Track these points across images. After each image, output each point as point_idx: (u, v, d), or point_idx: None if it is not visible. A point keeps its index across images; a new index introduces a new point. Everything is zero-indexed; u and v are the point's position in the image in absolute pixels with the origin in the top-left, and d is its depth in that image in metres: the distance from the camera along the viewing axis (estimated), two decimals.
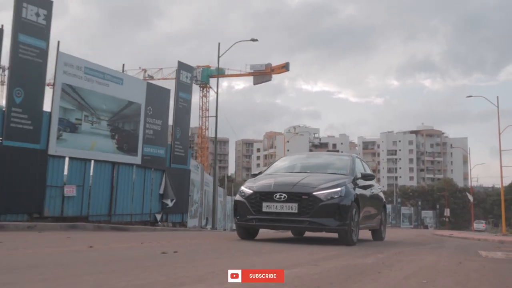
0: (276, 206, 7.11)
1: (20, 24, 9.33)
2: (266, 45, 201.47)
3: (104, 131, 11.38)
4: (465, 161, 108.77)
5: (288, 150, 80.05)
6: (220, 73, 54.55)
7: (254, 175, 8.43)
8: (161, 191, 13.37)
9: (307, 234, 10.36)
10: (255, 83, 53.79)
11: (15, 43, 9.26)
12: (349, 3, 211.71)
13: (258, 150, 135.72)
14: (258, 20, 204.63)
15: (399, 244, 9.04)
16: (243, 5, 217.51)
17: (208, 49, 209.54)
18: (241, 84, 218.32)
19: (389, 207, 65.82)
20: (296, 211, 7.00)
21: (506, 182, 62.83)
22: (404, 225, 64.09)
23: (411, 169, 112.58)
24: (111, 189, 11.70)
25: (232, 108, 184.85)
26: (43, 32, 9.77)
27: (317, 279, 3.12)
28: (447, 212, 62.33)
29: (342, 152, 74.56)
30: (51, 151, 10.03)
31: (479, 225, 53.97)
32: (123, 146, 11.91)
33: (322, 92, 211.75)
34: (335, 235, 7.68)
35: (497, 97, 31.06)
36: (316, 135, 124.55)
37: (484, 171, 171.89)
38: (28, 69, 9.44)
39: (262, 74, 52.54)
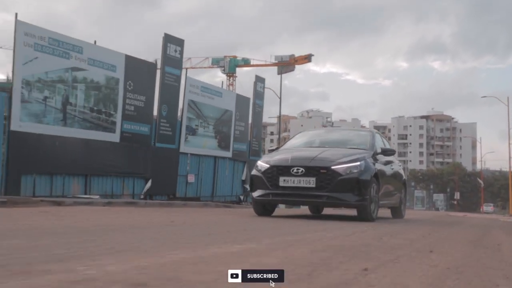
0: (294, 181, 6.97)
1: (165, 58, 12.93)
2: (274, 25, 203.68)
3: (210, 133, 15.06)
4: (474, 145, 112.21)
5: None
6: (245, 63, 58.10)
7: (271, 150, 8.39)
8: (243, 178, 17.08)
9: (325, 211, 10.21)
10: (278, 73, 56.92)
11: (163, 73, 12.87)
12: None
13: (272, 133, 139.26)
14: (266, 1, 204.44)
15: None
16: None
17: (215, 29, 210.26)
18: (262, 72, 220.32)
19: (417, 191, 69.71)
20: (314, 186, 6.89)
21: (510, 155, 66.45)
22: (417, 207, 67.90)
23: (421, 153, 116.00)
24: (213, 176, 15.43)
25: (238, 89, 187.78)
26: (178, 63, 13.39)
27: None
28: (457, 195, 65.96)
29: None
30: (181, 150, 13.71)
31: (487, 207, 57.49)
32: (221, 144, 15.59)
33: (330, 74, 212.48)
34: (354, 212, 7.73)
35: (507, 97, 34.19)
36: (329, 119, 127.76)
37: (492, 154, 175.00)
38: (169, 91, 13.06)
39: (286, 65, 55.89)
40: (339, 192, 6.89)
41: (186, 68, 59.35)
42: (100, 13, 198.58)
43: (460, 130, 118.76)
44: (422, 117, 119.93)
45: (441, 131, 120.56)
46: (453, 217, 16.08)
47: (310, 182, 6.90)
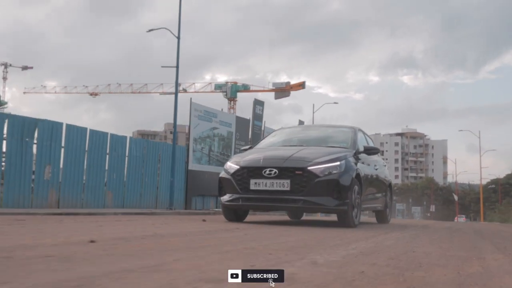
0: (266, 183, 6.29)
1: (254, 115, 18.96)
2: (250, 38, 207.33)
3: None
4: (445, 161, 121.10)
5: None
6: (245, 88, 64.35)
7: (244, 150, 7.68)
8: None
9: (305, 216, 9.32)
10: (276, 98, 63.52)
11: (253, 125, 18.87)
12: None
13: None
14: (242, 13, 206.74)
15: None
16: None
17: (190, 40, 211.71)
18: (261, 97, 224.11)
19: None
20: (288, 189, 6.20)
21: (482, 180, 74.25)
22: (397, 219, 74.70)
23: (396, 168, 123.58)
24: None
25: (206, 99, 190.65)
26: (261, 117, 19.44)
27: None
28: (432, 208, 73.05)
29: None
30: None
31: (460, 218, 64.40)
32: None
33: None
34: (332, 218, 7.11)
35: (479, 131, 40.98)
36: None
37: (460, 167, 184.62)
38: (256, 137, 19.07)
39: (282, 91, 62.34)
40: (317, 195, 6.18)
41: (191, 92, 65.23)
42: (72, 23, 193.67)
43: (432, 147, 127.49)
44: (397, 134, 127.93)
45: (415, 148, 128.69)
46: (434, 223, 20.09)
47: (284, 184, 6.20)
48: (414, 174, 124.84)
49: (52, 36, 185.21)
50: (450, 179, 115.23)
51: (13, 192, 9.63)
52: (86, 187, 11.35)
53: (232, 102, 64.81)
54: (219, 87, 64.18)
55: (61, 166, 10.72)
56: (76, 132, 11.10)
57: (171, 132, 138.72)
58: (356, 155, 7.08)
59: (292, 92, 61.48)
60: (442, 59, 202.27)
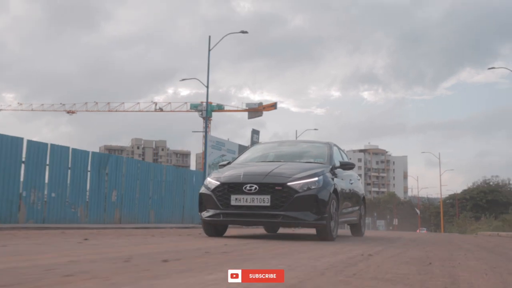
0: (246, 199, 6.36)
1: (252, 143, 22.13)
2: (214, 52, 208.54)
3: None
4: (405, 176, 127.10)
5: None
6: (219, 108, 67.41)
7: (222, 166, 7.77)
8: None
9: (281, 230, 9.73)
10: (249, 117, 66.75)
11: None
12: (298, 14, 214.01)
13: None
14: (207, 27, 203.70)
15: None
16: (192, 11, 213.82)
17: (155, 54, 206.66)
18: (234, 116, 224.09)
19: None
20: (268, 204, 6.28)
21: (441, 191, 79.65)
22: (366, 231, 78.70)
23: None
24: None
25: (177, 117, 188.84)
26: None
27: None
28: (395, 221, 77.48)
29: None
30: None
31: (422, 230, 68.73)
32: None
33: (264, 102, 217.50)
34: (312, 230, 7.51)
35: (439, 153, 45.14)
36: None
37: (419, 182, 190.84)
38: None
39: (255, 111, 65.65)
40: (296, 210, 6.32)
41: (168, 111, 67.82)
42: (34, 34, 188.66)
43: (393, 163, 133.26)
44: (360, 150, 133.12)
45: (377, 163, 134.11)
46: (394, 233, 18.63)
47: (264, 200, 6.31)
48: (376, 189, 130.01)
49: (12, 46, 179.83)
50: (409, 192, 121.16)
51: (94, 211, 12.52)
52: (138, 207, 14.27)
53: (208, 120, 67.67)
54: (195, 106, 66.96)
55: (122, 191, 13.64)
56: (132, 164, 14.11)
57: (138, 147, 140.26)
58: (332, 170, 7.26)
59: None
60: (401, 75, 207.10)
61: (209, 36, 21.78)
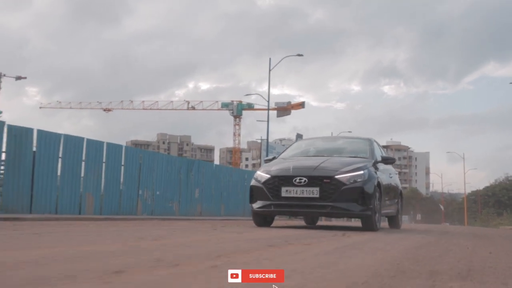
0: (296, 191, 6.76)
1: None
2: (234, 46, 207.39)
3: None
4: (427, 172, 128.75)
5: None
6: (249, 107, 70.29)
7: (268, 160, 8.22)
8: None
9: (319, 222, 10.17)
10: (278, 116, 69.53)
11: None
12: (318, 8, 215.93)
13: (247, 159, 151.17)
14: (227, 21, 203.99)
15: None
16: (212, 5, 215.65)
17: (175, 48, 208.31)
18: (264, 115, 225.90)
19: None
20: (317, 196, 6.68)
21: (462, 189, 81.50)
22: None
23: None
24: None
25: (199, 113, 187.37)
26: None
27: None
28: (418, 216, 79.67)
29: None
30: None
31: (446, 225, 70.88)
32: None
33: (284, 95, 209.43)
34: (348, 223, 7.40)
35: (463, 153, 47.10)
36: None
37: (441, 177, 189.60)
38: None
39: (283, 109, 68.36)
40: (343, 201, 6.68)
41: (200, 109, 70.79)
42: (56, 29, 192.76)
43: (416, 159, 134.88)
44: (383, 146, 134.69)
45: (399, 159, 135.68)
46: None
47: (313, 192, 6.68)
48: None
49: (36, 42, 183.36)
50: (431, 188, 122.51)
51: (184, 205, 15.46)
52: (213, 202, 17.21)
53: (237, 119, 70.73)
54: (225, 105, 69.98)
55: (202, 189, 16.60)
56: (209, 167, 17.18)
57: (163, 142, 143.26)
58: (375, 164, 7.55)
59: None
60: (423, 69, 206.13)
61: (269, 58, 25.06)
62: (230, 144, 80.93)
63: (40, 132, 10.52)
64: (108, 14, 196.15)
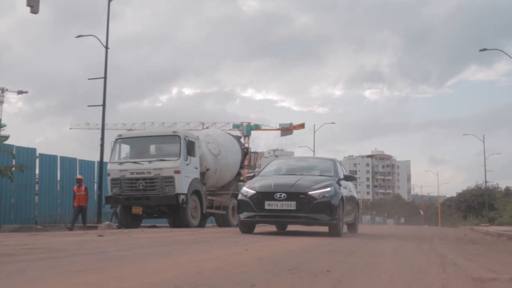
0: (277, 204, 8.25)
1: None
2: (220, 51, 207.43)
3: None
4: (408, 179, 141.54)
5: None
6: (256, 127, 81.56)
7: (250, 177, 9.85)
8: None
9: (289, 227, 11.63)
10: (281, 135, 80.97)
11: None
12: (303, 13, 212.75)
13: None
14: (213, 26, 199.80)
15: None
16: (198, 10, 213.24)
17: (159, 54, 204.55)
18: (269, 134, 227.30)
19: (367, 217, 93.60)
20: (294, 208, 8.20)
21: (443, 192, 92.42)
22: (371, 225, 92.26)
23: (368, 186, 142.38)
24: None
25: (180, 114, 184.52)
26: None
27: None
28: (402, 220, 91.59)
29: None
30: None
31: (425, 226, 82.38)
32: None
33: (266, 100, 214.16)
34: (312, 229, 9.94)
35: (437, 171, 58.22)
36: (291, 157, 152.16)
37: (421, 179, 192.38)
38: None
39: (286, 130, 79.79)
40: (315, 213, 8.20)
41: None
42: (38, 35, 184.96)
43: (398, 167, 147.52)
44: (368, 156, 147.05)
45: (383, 167, 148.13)
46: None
47: (291, 205, 8.19)
48: (383, 191, 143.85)
49: (17, 48, 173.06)
50: (413, 190, 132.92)
51: None
52: None
53: (246, 138, 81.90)
54: (236, 126, 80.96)
55: None
56: None
57: None
58: (338, 181, 9.14)
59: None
60: (406, 74, 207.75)
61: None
62: None
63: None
64: (92, 19, 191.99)
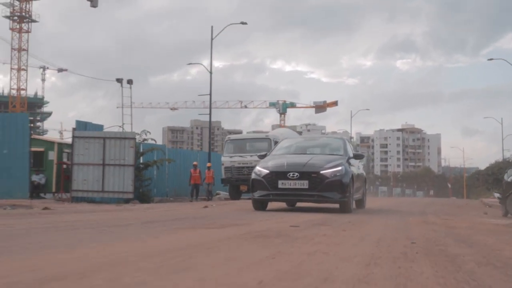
0: (290, 183, 8.56)
1: None
2: (249, 23, 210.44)
3: None
4: (439, 152, 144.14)
5: None
6: (292, 105, 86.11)
7: (262, 156, 10.15)
8: None
9: (298, 204, 11.62)
10: (316, 112, 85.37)
11: None
12: None
13: None
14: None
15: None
16: None
17: (188, 27, 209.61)
18: (304, 111, 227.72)
19: (398, 189, 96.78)
20: (306, 187, 8.51)
21: (475, 163, 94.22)
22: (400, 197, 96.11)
23: (398, 159, 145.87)
24: None
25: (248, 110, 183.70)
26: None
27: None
28: (431, 192, 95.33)
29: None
30: None
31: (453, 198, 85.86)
32: None
33: (295, 72, 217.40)
34: (320, 206, 10.22)
35: (501, 118, 61.37)
36: (323, 132, 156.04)
37: (453, 151, 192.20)
38: None
39: (320, 107, 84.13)
40: (327, 191, 8.54)
41: (252, 107, 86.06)
42: (68, 10, 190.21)
43: (428, 140, 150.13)
44: (398, 130, 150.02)
45: (413, 141, 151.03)
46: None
47: (303, 184, 8.50)
48: (413, 164, 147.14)
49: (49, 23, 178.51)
50: (443, 163, 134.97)
51: None
52: None
53: (282, 115, 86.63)
54: (273, 104, 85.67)
55: None
56: None
57: (197, 128, 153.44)
58: (348, 160, 9.45)
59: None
60: (440, 43, 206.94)
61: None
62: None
63: None
64: None
